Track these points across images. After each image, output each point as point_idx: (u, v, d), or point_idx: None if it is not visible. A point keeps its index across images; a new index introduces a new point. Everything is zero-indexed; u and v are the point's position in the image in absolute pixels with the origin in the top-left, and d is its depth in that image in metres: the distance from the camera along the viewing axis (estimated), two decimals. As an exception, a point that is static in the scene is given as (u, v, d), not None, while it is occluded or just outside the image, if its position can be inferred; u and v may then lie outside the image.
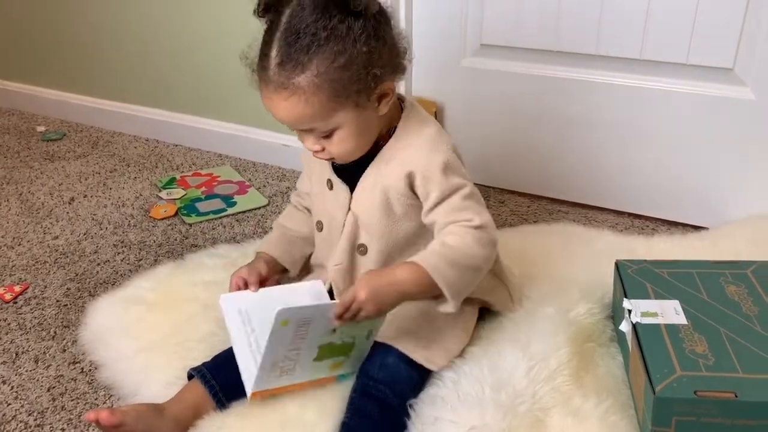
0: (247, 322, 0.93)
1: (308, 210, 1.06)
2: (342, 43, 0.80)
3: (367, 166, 0.91)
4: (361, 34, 0.80)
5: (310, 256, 1.05)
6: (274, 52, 0.81)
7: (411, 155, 0.88)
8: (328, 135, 0.85)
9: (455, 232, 0.85)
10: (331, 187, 0.95)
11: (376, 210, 0.91)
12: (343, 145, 0.86)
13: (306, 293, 0.96)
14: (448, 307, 0.85)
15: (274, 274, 1.01)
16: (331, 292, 0.97)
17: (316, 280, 0.98)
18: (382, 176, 0.90)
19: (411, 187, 0.89)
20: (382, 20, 0.84)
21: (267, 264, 1.00)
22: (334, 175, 0.94)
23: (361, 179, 0.92)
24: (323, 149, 0.87)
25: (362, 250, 0.94)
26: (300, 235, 1.05)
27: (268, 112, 0.86)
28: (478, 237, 0.85)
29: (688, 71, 1.29)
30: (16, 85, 2.13)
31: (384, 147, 0.90)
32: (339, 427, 0.85)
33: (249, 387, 0.87)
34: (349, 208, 0.93)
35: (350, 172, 0.93)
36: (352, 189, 0.93)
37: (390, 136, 0.90)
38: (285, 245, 1.04)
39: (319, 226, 0.98)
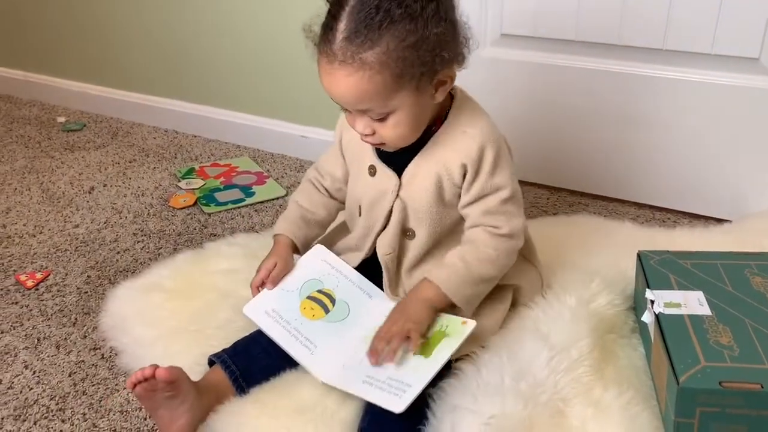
0: (280, 320, 0.94)
1: (327, 191, 1.05)
2: (414, 23, 0.79)
3: (415, 152, 0.90)
4: (434, 15, 0.80)
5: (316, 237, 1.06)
6: (342, 26, 0.79)
7: (467, 145, 0.88)
8: (382, 118, 0.84)
9: (478, 240, 0.89)
10: (373, 174, 0.94)
11: (428, 196, 0.90)
12: (397, 130, 0.84)
13: (314, 260, 1.00)
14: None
15: (316, 245, 1.03)
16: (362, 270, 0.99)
17: (316, 247, 1.02)
18: (437, 163, 0.89)
19: (463, 177, 0.89)
20: (450, 5, 0.83)
21: (289, 249, 1.01)
22: (379, 161, 0.93)
23: (412, 165, 0.91)
24: (374, 133, 0.86)
25: (410, 234, 0.94)
26: (317, 218, 1.04)
27: (326, 91, 0.84)
28: (501, 246, 0.89)
29: (712, 61, 1.27)
30: (37, 77, 2.15)
31: (437, 133, 0.89)
32: (362, 415, 0.85)
33: (319, 372, 0.89)
34: (398, 195, 0.92)
35: (395, 159, 0.92)
36: (398, 175, 0.92)
37: (442, 123, 0.90)
38: (305, 228, 1.03)
39: (359, 210, 0.97)
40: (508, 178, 0.89)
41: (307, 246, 1.03)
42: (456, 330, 0.86)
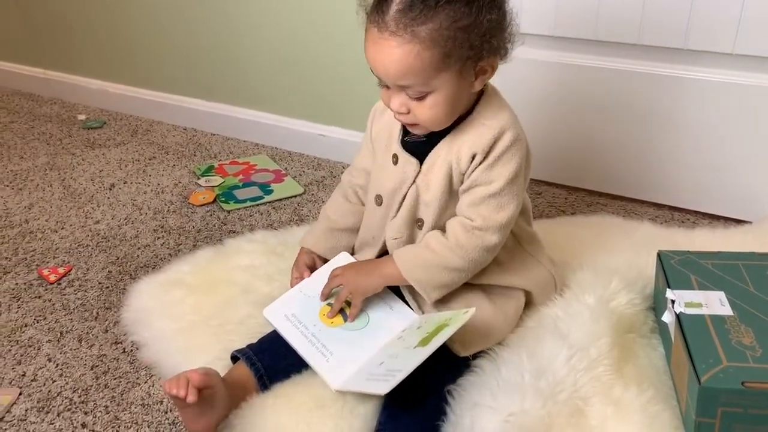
0: (299, 324, 0.95)
1: (357, 195, 1.05)
2: (470, 6, 0.79)
3: (437, 142, 0.90)
4: (489, 1, 0.81)
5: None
6: None
7: (482, 135, 0.87)
8: (420, 97, 0.84)
9: (449, 228, 0.90)
10: (395, 162, 0.94)
11: (440, 186, 0.90)
12: (433, 111, 0.84)
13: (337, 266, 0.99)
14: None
15: (342, 252, 1.03)
16: None
17: (340, 254, 1.02)
18: (451, 152, 0.89)
19: (469, 165, 0.88)
20: None
21: (311, 259, 1.03)
22: (402, 149, 0.93)
23: (432, 153, 0.91)
24: (409, 112, 0.85)
25: (420, 224, 0.94)
26: (345, 227, 1.04)
27: (369, 62, 0.83)
28: (465, 240, 0.88)
29: (733, 61, 1.26)
30: (58, 75, 2.18)
31: (461, 123, 0.89)
32: (380, 412, 0.86)
33: (332, 380, 0.88)
34: (414, 182, 0.92)
35: (417, 148, 0.92)
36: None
37: (468, 114, 0.89)
38: (331, 240, 1.04)
39: (378, 200, 0.97)
40: (507, 175, 0.87)
41: (335, 254, 1.03)
42: (456, 319, 0.86)
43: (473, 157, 0.88)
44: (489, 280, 0.94)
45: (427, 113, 0.85)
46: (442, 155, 0.90)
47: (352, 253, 1.04)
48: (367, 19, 0.83)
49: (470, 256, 0.89)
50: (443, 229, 0.92)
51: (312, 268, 1.02)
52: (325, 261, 1.04)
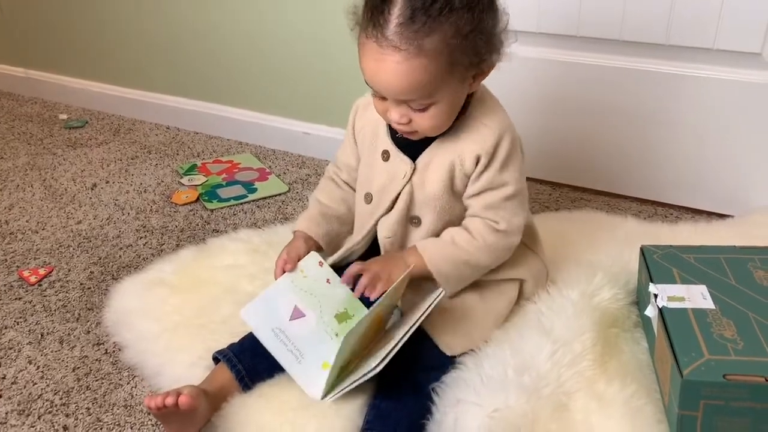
0: (286, 341, 0.91)
1: (348, 184, 1.03)
2: (471, 12, 0.78)
3: (431, 140, 0.89)
4: (489, 4, 0.80)
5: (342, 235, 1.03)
6: (397, 11, 0.76)
7: (485, 136, 0.87)
8: (423, 108, 0.82)
9: (473, 228, 0.90)
10: (386, 159, 0.92)
11: (440, 185, 0.89)
12: (434, 120, 0.83)
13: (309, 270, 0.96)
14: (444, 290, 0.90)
15: (311, 251, 0.99)
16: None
17: (310, 254, 0.97)
18: (453, 152, 0.88)
19: (475, 166, 0.88)
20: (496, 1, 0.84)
21: (306, 243, 0.99)
22: (393, 147, 0.92)
23: (427, 153, 0.90)
24: (409, 122, 0.84)
25: (416, 222, 0.93)
26: (337, 213, 1.02)
27: (368, 79, 0.81)
28: (493, 241, 0.90)
29: (715, 56, 1.27)
30: (39, 74, 2.15)
31: (457, 122, 0.88)
32: (368, 409, 0.85)
33: (315, 392, 0.88)
34: (409, 180, 0.91)
35: (410, 145, 0.91)
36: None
37: (461, 113, 0.88)
38: (324, 224, 1.01)
39: (368, 198, 0.95)
40: (516, 176, 0.89)
41: (330, 242, 1.01)
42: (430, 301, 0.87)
43: (478, 159, 0.87)
44: (488, 275, 0.94)
45: (428, 123, 0.83)
46: (440, 154, 0.89)
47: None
48: (361, 32, 0.80)
49: (497, 255, 0.91)
50: (443, 229, 0.92)
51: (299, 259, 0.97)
52: (320, 249, 1.00)
